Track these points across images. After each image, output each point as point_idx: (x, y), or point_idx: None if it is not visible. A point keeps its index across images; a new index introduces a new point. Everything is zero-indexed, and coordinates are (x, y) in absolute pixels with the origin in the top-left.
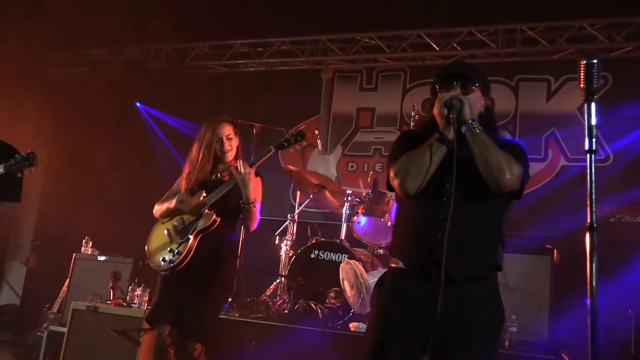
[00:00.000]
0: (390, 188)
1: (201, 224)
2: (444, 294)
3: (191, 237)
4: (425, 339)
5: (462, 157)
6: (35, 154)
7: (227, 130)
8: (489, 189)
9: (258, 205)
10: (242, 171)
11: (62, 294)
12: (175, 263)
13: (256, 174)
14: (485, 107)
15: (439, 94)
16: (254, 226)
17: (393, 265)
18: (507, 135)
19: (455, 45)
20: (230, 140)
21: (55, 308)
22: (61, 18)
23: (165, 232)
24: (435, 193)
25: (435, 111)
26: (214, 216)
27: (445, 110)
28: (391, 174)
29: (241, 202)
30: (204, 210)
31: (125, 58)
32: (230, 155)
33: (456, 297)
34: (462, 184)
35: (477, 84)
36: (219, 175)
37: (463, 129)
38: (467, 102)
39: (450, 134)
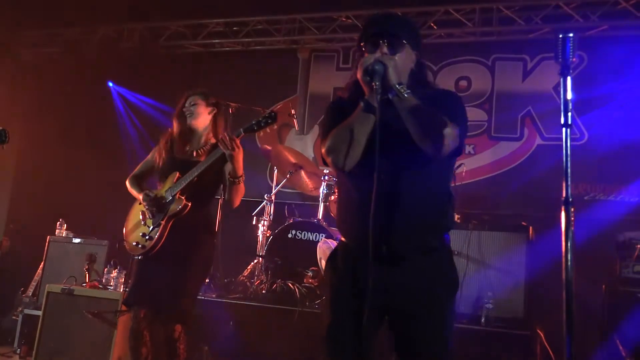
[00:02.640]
0: (325, 163)
1: (172, 209)
2: (392, 271)
3: (162, 222)
4: (378, 318)
5: (395, 123)
6: (7, 131)
7: (194, 99)
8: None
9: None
10: (231, 146)
11: (36, 277)
12: (147, 248)
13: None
14: (417, 62)
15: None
16: (238, 201)
17: (343, 239)
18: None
19: (431, 24)
20: (195, 107)
21: (30, 291)
22: None
23: (141, 213)
24: (372, 166)
25: (359, 77)
26: (184, 201)
27: (368, 78)
28: (323, 150)
29: (229, 176)
30: (176, 194)
31: (97, 38)
32: (198, 123)
33: (408, 272)
34: (399, 151)
35: (405, 40)
36: (194, 153)
37: (390, 95)
38: (392, 64)
39: (375, 102)
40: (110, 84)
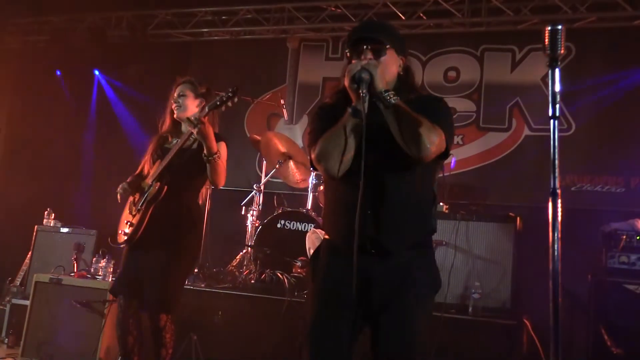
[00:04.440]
0: (315, 168)
1: (149, 194)
2: (374, 266)
3: (142, 208)
4: (363, 312)
5: (382, 128)
6: None
7: (182, 88)
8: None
9: (224, 157)
10: (197, 122)
11: (24, 267)
12: (129, 235)
13: (221, 139)
14: (404, 67)
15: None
16: (221, 181)
17: (327, 237)
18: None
19: (420, 14)
20: (184, 98)
21: (17, 281)
22: None
23: (129, 204)
24: (359, 168)
25: (346, 84)
26: (159, 185)
27: (355, 85)
28: (313, 157)
29: (204, 154)
30: (154, 180)
31: (85, 26)
32: (186, 115)
33: (393, 268)
34: (386, 155)
35: (389, 45)
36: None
37: (376, 101)
38: (378, 72)
39: (363, 108)
40: (97, 72)
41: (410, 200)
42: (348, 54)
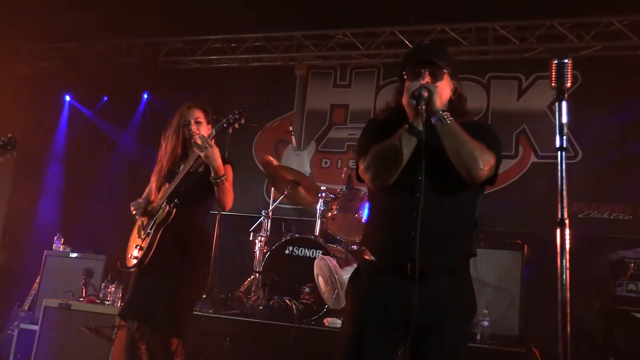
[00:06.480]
0: (360, 179)
1: (158, 217)
2: (419, 289)
3: (151, 231)
4: (402, 334)
5: (434, 147)
6: (16, 138)
7: (196, 114)
8: (463, 179)
9: (230, 179)
10: (203, 145)
11: (33, 292)
12: (139, 259)
13: (227, 162)
14: (455, 91)
15: (407, 83)
16: (228, 203)
17: (367, 257)
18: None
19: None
20: (199, 125)
21: (26, 306)
22: (32, 11)
23: (137, 228)
24: (408, 186)
25: (404, 101)
26: (168, 208)
27: (414, 102)
28: (361, 167)
29: (211, 177)
30: (162, 203)
31: (96, 53)
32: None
33: (431, 291)
34: (435, 175)
35: (445, 69)
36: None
37: (433, 119)
38: (436, 91)
39: (420, 125)
40: (105, 98)
41: (454, 223)
42: (405, 75)
